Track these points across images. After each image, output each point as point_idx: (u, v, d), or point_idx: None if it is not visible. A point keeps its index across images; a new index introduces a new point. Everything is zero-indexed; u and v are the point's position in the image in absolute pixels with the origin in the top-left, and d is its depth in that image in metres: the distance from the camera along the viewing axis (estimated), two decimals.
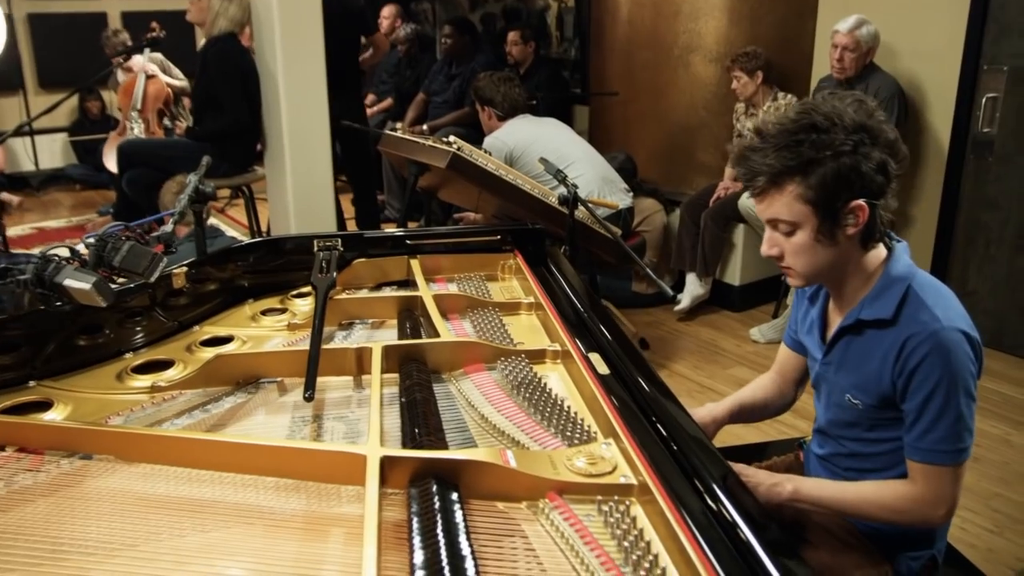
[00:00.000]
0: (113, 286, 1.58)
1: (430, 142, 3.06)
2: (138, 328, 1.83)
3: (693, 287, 4.44)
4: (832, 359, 1.61)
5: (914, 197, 4.20)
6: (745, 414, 1.82)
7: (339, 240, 2.06)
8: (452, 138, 3.06)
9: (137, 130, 5.89)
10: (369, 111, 6.77)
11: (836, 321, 1.60)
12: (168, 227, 1.57)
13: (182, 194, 1.75)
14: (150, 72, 5.92)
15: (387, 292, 2.06)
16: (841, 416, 1.61)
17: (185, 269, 1.87)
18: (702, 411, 1.77)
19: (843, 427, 1.62)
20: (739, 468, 1.46)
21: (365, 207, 5.33)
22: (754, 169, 1.45)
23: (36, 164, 7.74)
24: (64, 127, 7.82)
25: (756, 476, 1.49)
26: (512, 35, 5.74)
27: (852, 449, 1.62)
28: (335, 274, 1.88)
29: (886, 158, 1.42)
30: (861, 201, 1.42)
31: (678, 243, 4.53)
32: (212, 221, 6.58)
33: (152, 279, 1.37)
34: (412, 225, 5.64)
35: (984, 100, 3.93)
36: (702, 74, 4.67)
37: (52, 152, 7.89)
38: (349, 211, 5.54)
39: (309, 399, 1.41)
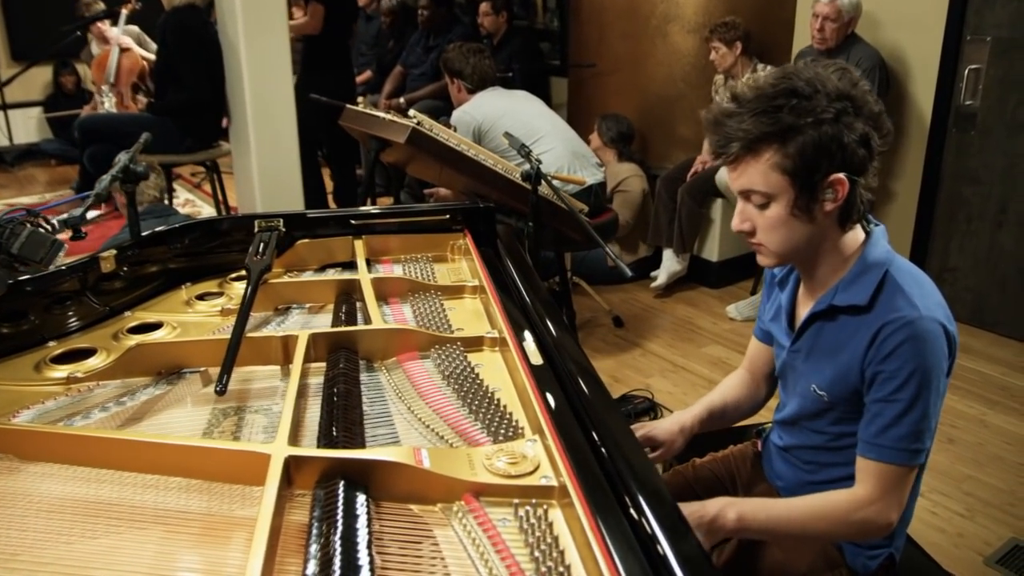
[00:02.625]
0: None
1: (389, 116, 2.96)
2: (69, 314, 1.75)
3: (670, 263, 4.37)
4: (801, 347, 1.52)
5: (895, 171, 4.11)
6: (715, 419, 1.72)
7: (281, 220, 1.98)
8: (412, 112, 2.96)
9: (108, 104, 5.76)
10: None
11: (807, 307, 1.50)
12: (78, 211, 1.47)
13: (105, 175, 1.65)
14: (124, 45, 5.78)
15: (330, 274, 1.97)
16: (806, 408, 1.52)
17: (114, 252, 1.79)
18: (668, 422, 1.67)
19: (807, 419, 1.53)
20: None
21: (344, 181, 5.24)
22: (729, 135, 1.35)
23: (10, 139, 7.61)
24: (39, 101, 7.68)
25: (692, 516, 1.37)
26: (484, 6, 5.61)
27: (815, 442, 1.53)
28: (271, 256, 1.80)
29: (869, 131, 1.33)
30: (841, 175, 1.32)
31: (655, 218, 4.44)
32: (186, 196, 6.49)
33: (50, 267, 1.28)
34: (385, 201, 5.56)
35: (967, 71, 3.84)
36: (680, 45, 4.57)
37: (27, 127, 7.76)
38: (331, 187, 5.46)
39: (220, 392, 1.33)
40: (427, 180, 3.68)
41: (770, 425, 1.74)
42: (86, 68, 7.55)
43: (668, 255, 4.38)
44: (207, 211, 6.03)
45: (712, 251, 4.46)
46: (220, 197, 4.59)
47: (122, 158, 1.81)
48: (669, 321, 4.14)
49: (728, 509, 1.37)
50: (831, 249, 1.43)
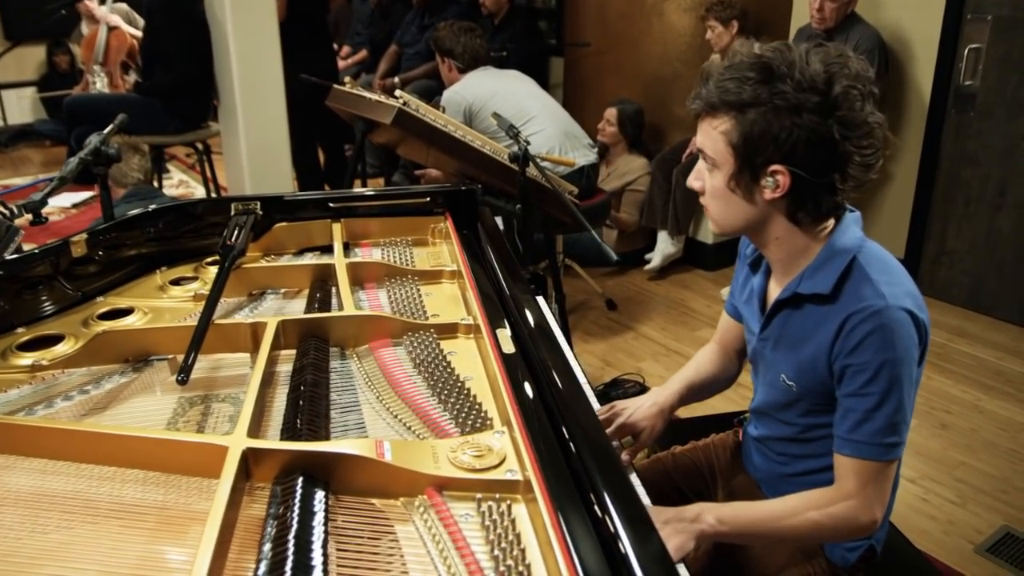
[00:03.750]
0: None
1: (376, 97, 2.92)
2: (41, 299, 1.72)
3: (664, 246, 4.32)
4: (769, 335, 1.48)
5: (893, 153, 4.06)
6: (694, 393, 1.70)
7: (258, 203, 1.94)
8: (398, 92, 2.91)
9: (100, 84, 5.71)
10: (343, 63, 6.59)
11: (776, 293, 1.46)
12: (37, 195, 1.43)
13: (72, 157, 1.61)
14: (112, 23, 5.72)
15: (307, 259, 1.94)
16: (775, 397, 1.48)
17: (85, 236, 1.75)
18: (647, 406, 1.64)
19: (778, 409, 1.49)
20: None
21: (335, 162, 5.19)
22: (701, 92, 1.32)
23: (4, 119, 7.56)
24: (33, 81, 7.62)
25: (670, 521, 1.33)
26: None
27: (786, 433, 1.50)
28: (245, 240, 1.76)
29: (835, 135, 1.24)
30: (782, 167, 1.27)
31: (649, 200, 4.39)
32: (180, 177, 6.44)
33: (4, 255, 1.24)
34: (377, 183, 5.52)
35: (967, 51, 3.78)
36: (676, 24, 4.50)
37: (21, 107, 7.70)
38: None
39: (182, 382, 1.30)
40: (418, 161, 3.63)
41: (749, 415, 1.71)
42: (78, 48, 7.49)
43: (663, 237, 4.33)
44: (201, 192, 5.98)
45: (707, 233, 4.42)
46: (209, 174, 4.53)
47: (93, 140, 1.76)
48: (663, 304, 4.10)
49: (707, 514, 1.33)
50: (784, 238, 1.37)
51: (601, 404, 1.77)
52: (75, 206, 5.44)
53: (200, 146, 4.40)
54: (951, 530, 2.49)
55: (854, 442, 1.31)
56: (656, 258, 4.34)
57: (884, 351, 1.27)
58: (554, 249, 3.40)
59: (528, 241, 2.94)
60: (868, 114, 1.26)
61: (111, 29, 5.67)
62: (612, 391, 3.20)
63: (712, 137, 1.32)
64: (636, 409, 1.61)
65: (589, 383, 1.80)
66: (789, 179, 1.27)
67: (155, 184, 4.31)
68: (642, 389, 3.24)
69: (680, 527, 1.30)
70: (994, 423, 3.05)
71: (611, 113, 4.47)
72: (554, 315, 2.85)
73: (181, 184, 6.29)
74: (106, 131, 1.85)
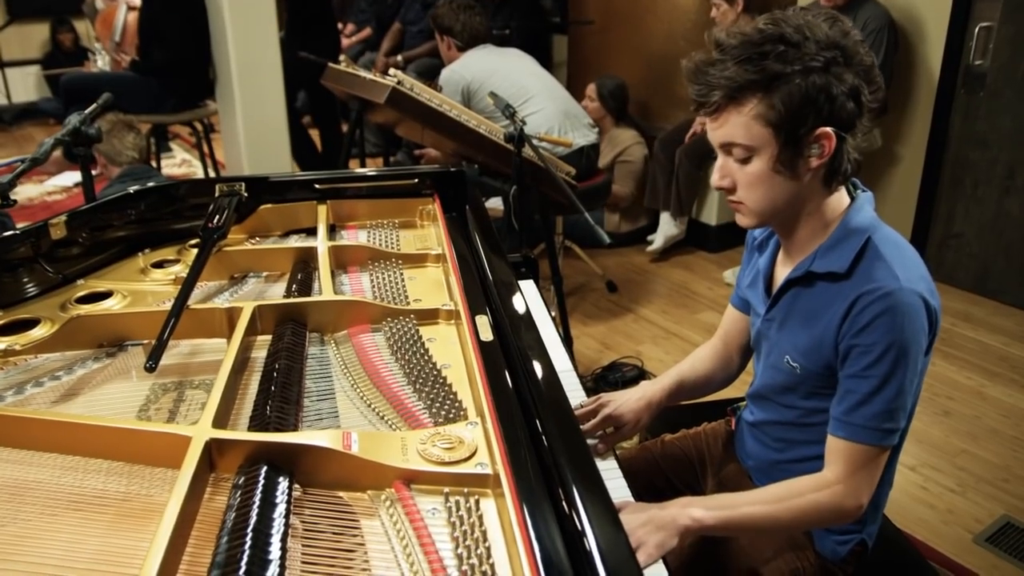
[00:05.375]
0: None
1: (371, 76, 2.87)
2: (20, 281, 1.69)
3: (667, 227, 4.27)
4: (775, 315, 1.44)
5: (901, 134, 3.99)
6: (686, 391, 1.66)
7: (243, 185, 1.91)
8: (393, 71, 2.86)
9: (101, 63, 5.67)
10: (348, 41, 6.53)
11: (784, 273, 1.43)
12: (5, 178, 1.40)
13: (48, 138, 1.57)
14: (132, 3, 5.66)
15: (291, 241, 1.90)
16: (776, 379, 1.45)
17: (64, 218, 1.72)
18: (635, 398, 1.60)
19: (777, 392, 1.46)
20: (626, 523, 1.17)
21: (331, 141, 5.15)
22: (710, 83, 1.25)
23: (8, 98, 7.54)
24: (37, 59, 7.58)
25: (651, 519, 1.29)
26: None
27: (786, 418, 1.46)
28: (227, 222, 1.73)
29: (859, 84, 1.24)
30: (828, 129, 1.24)
31: (652, 181, 4.33)
32: (183, 156, 6.41)
33: None
34: (372, 163, 5.48)
35: (977, 30, 3.69)
36: (681, 2, 4.42)
37: (25, 85, 7.67)
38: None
39: (150, 370, 1.27)
40: (416, 141, 3.59)
41: (745, 403, 1.67)
42: (87, 25, 7.44)
43: (665, 218, 4.28)
44: (203, 172, 5.96)
45: (711, 215, 4.36)
46: (206, 150, 4.49)
47: (72, 120, 1.73)
48: (664, 286, 4.05)
49: (690, 508, 1.30)
50: (814, 211, 1.35)
51: (597, 387, 1.74)
52: (77, 185, 5.41)
53: (199, 125, 4.36)
54: (950, 519, 2.45)
55: (850, 424, 1.28)
56: (658, 239, 4.29)
57: (892, 333, 1.24)
58: (552, 230, 3.35)
59: (525, 223, 2.90)
60: (872, 60, 1.27)
61: (130, 9, 5.60)
62: (610, 374, 3.16)
63: (743, 125, 1.26)
64: (623, 402, 1.58)
65: (577, 371, 1.77)
66: (834, 139, 1.25)
67: (154, 163, 4.28)
68: (640, 373, 3.20)
69: (662, 523, 1.27)
70: (997, 410, 3.00)
71: (591, 88, 4.47)
72: (549, 299, 2.82)
73: (184, 163, 6.26)
74: (87, 111, 1.81)
